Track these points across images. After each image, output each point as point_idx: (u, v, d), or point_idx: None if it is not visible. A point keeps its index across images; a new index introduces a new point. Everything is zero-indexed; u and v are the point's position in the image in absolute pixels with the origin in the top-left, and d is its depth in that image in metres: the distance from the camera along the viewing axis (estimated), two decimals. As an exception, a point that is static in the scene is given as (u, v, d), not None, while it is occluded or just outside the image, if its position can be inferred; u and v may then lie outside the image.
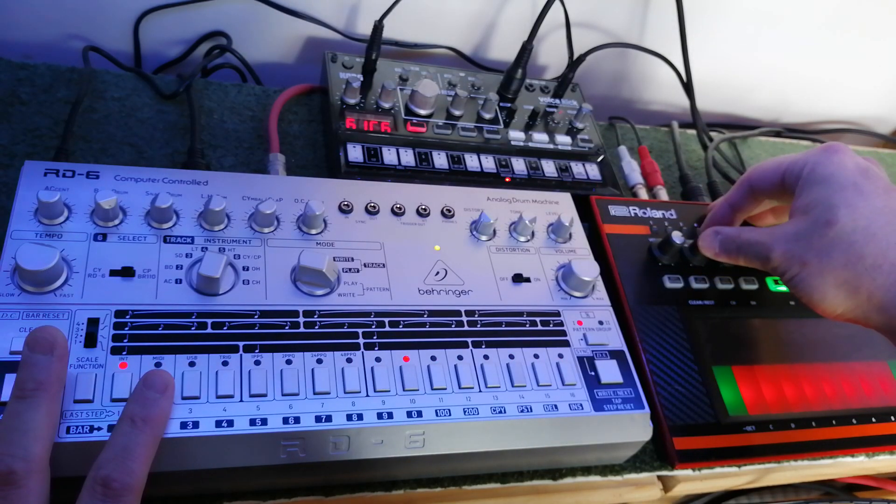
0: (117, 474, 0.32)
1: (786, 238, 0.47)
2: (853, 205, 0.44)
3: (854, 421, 0.54)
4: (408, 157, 0.59)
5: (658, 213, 0.61)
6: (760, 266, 0.50)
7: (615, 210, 0.60)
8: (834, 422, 0.53)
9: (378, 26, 0.64)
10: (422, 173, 0.59)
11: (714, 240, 0.53)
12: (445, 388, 0.42)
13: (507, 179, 0.61)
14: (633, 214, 0.60)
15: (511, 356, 0.44)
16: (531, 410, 0.42)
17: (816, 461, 0.53)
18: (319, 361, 0.41)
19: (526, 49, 0.67)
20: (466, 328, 0.45)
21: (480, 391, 0.42)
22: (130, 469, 0.33)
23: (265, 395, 0.39)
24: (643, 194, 0.68)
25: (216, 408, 0.37)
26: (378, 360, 0.42)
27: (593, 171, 0.65)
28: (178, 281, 0.42)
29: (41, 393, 0.34)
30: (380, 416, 0.40)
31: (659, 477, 0.51)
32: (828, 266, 0.44)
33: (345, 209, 0.49)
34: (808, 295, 0.46)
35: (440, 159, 0.60)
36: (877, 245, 0.43)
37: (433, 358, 0.43)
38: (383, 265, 0.47)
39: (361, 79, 0.63)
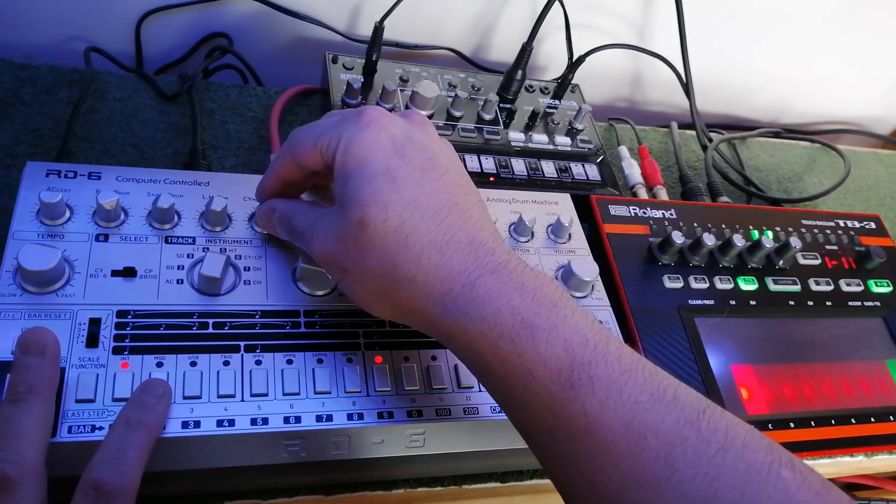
0: (109, 477, 0.32)
1: (325, 236, 0.39)
2: (384, 200, 0.36)
3: (853, 421, 0.54)
4: (408, 158, 0.59)
5: (658, 213, 0.61)
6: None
7: (615, 210, 0.60)
8: (833, 421, 0.53)
9: (379, 27, 0.64)
10: (422, 174, 0.59)
11: (271, 217, 0.44)
12: (446, 388, 0.42)
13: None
14: (633, 214, 0.60)
15: (511, 356, 0.44)
16: (531, 410, 0.42)
17: (815, 461, 0.53)
18: (320, 361, 0.41)
19: (526, 50, 0.68)
20: (466, 328, 0.45)
21: (480, 391, 0.42)
22: (123, 472, 0.32)
23: (266, 395, 0.39)
24: (643, 194, 0.68)
25: (217, 407, 0.38)
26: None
27: (593, 172, 0.65)
28: (180, 281, 0.42)
29: (33, 396, 0.34)
30: (380, 415, 0.40)
31: (658, 476, 0.51)
32: (366, 275, 0.37)
33: (345, 210, 0.49)
34: (355, 301, 0.40)
35: (440, 160, 0.60)
36: (409, 252, 0.36)
37: (433, 358, 0.43)
38: (384, 265, 0.47)
39: (362, 80, 0.63)
